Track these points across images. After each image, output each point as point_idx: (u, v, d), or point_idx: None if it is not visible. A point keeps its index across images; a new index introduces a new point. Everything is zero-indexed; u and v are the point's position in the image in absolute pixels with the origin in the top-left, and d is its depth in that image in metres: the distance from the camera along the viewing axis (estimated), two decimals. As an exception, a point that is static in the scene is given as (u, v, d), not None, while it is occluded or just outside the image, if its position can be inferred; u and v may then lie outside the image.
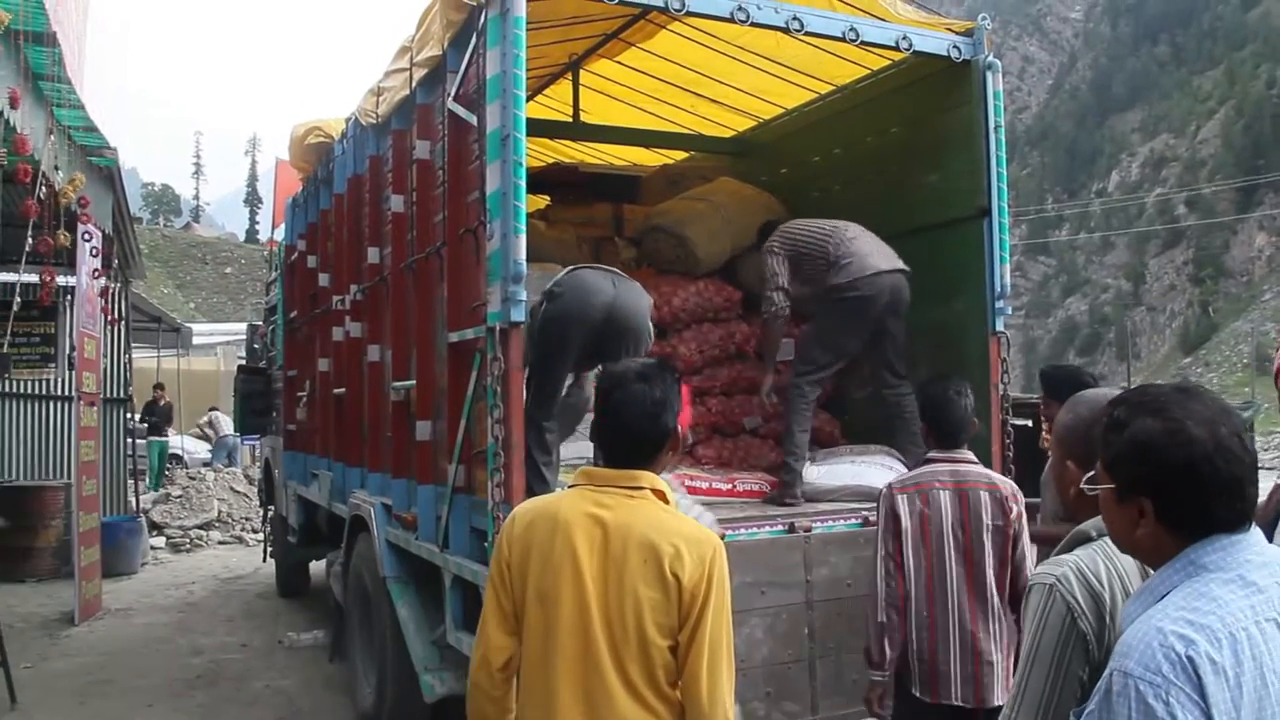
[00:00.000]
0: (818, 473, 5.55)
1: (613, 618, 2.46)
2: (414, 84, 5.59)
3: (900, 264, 5.69)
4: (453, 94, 4.95)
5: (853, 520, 5.04)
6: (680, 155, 8.19)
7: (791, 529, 4.87)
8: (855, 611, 4.53)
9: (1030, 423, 17.13)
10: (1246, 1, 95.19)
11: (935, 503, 3.96)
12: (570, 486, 2.66)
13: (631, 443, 2.61)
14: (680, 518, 2.62)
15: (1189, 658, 1.59)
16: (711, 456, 6.01)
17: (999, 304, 5.52)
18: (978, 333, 5.58)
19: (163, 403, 20.17)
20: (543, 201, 7.62)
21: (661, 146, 8.15)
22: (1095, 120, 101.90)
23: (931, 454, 4.11)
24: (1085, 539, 2.16)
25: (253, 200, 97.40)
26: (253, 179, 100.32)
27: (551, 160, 8.14)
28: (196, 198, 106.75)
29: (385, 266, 6.26)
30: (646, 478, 2.59)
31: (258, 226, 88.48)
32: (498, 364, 4.35)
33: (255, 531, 14.42)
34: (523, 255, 4.31)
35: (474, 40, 4.72)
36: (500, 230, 4.36)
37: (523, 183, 4.33)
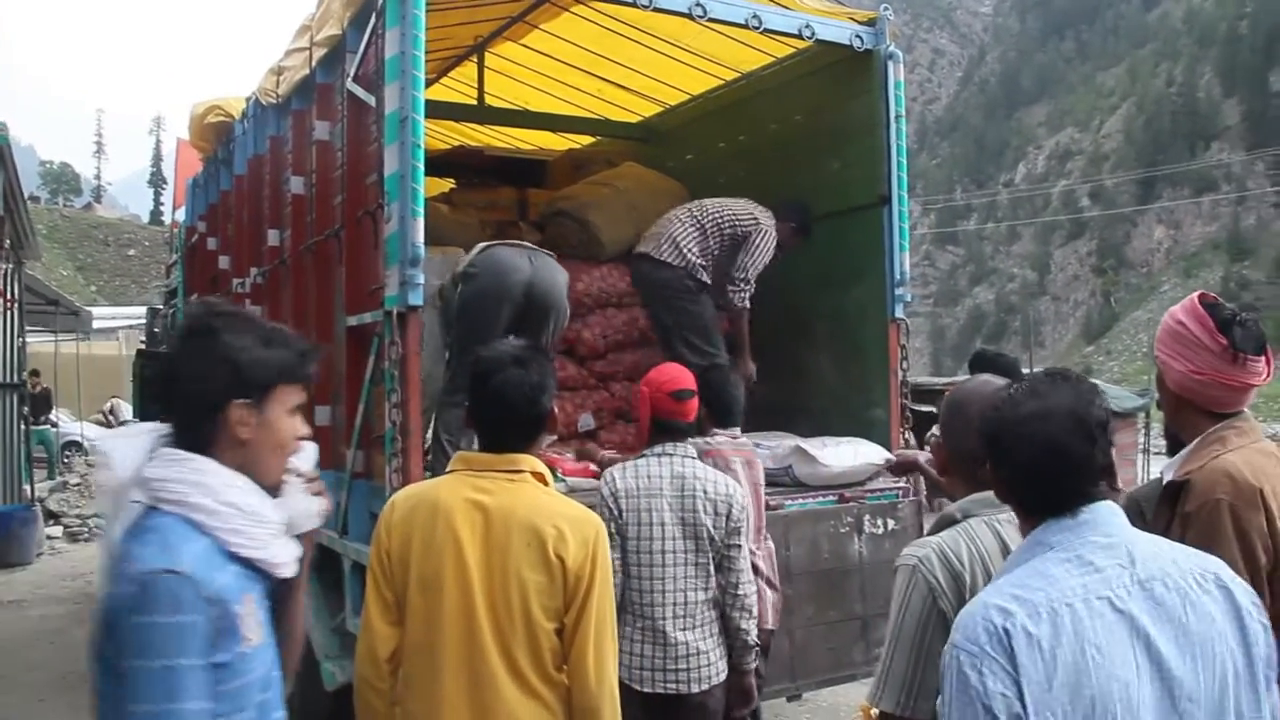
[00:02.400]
0: (830, 455, 5.38)
1: (497, 603, 2.45)
2: (314, 63, 5.50)
3: (651, 251, 5.78)
4: (352, 74, 4.89)
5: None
6: (586, 140, 8.15)
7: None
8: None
9: (936, 409, 17.56)
10: (1148, 1, 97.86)
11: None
12: (448, 472, 2.65)
13: (511, 426, 2.61)
14: (561, 499, 2.62)
15: (1004, 629, 1.68)
16: (615, 441, 6.00)
17: (898, 291, 5.59)
18: (877, 319, 5.65)
19: (39, 389, 19.37)
20: (446, 185, 7.54)
21: (567, 131, 8.11)
22: (1003, 113, 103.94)
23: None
24: (951, 521, 2.22)
25: (156, 181, 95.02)
26: (157, 159, 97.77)
27: (456, 144, 8.05)
28: (98, 178, 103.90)
29: (285, 249, 6.16)
30: (526, 460, 2.59)
31: (161, 208, 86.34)
32: (395, 348, 4.30)
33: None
34: (421, 238, 4.26)
35: (373, 20, 4.66)
36: (398, 213, 4.31)
37: (421, 165, 4.28)
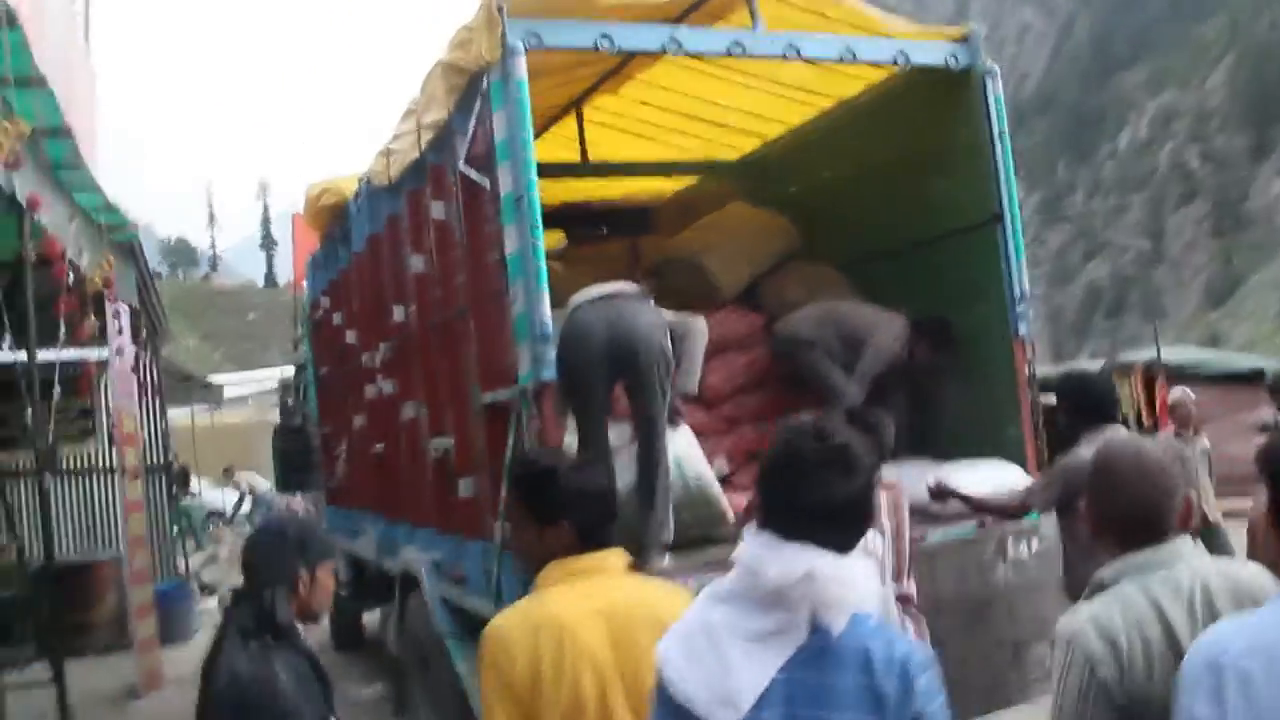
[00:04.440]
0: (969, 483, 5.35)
1: (639, 707, 2.44)
2: (423, 146, 5.68)
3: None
4: (463, 157, 5.04)
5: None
6: (689, 181, 8.24)
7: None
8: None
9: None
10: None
11: None
12: (543, 587, 2.63)
13: (603, 517, 2.68)
14: (652, 582, 2.71)
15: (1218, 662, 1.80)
16: (747, 484, 6.05)
17: (1020, 308, 5.56)
18: (1001, 337, 5.62)
19: (179, 466, 20.06)
20: (556, 238, 7.71)
21: (669, 175, 8.21)
22: (1099, 81, 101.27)
23: None
24: (1101, 586, 2.22)
25: (268, 245, 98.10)
26: (265, 224, 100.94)
27: (561, 200, 8.21)
28: (213, 247, 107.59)
29: (411, 324, 6.35)
30: (615, 553, 2.64)
31: (275, 270, 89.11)
32: (534, 422, 4.43)
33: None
34: (548, 315, 4.40)
35: (478, 104, 4.82)
36: (523, 291, 4.45)
37: (540, 243, 4.42)
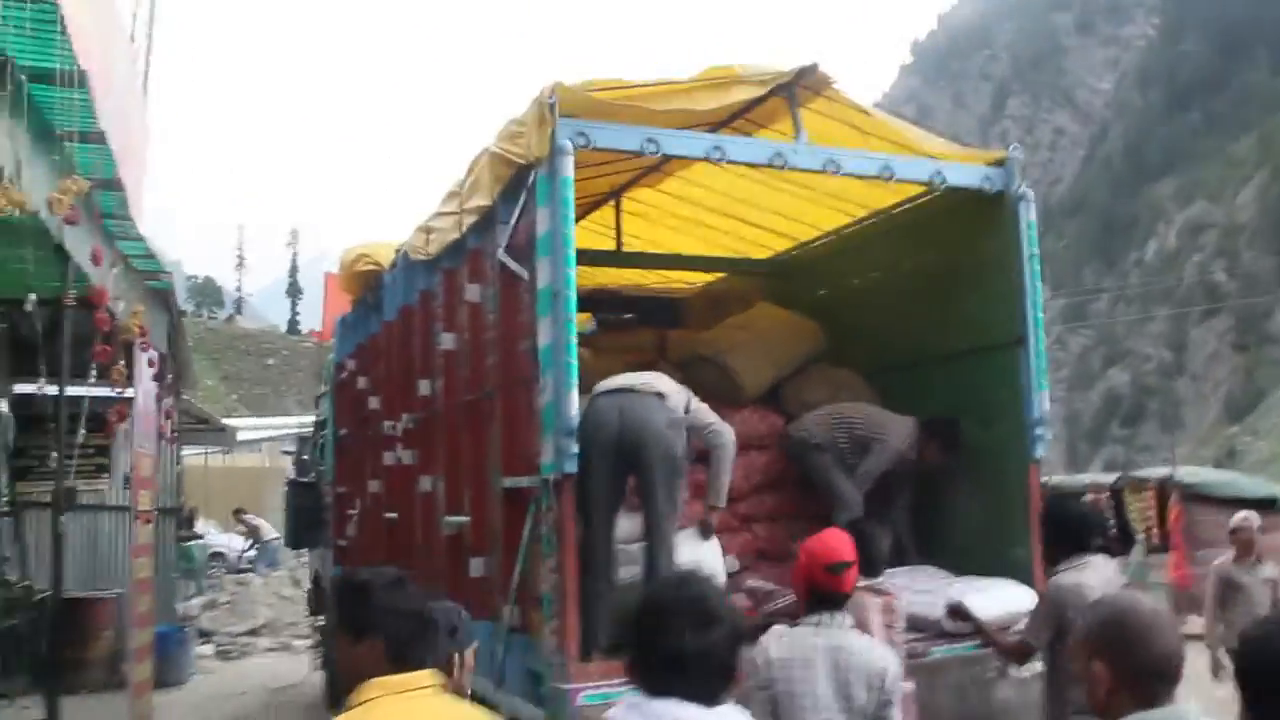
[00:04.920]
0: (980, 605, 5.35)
1: None
2: (464, 229, 5.82)
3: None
4: (503, 245, 5.17)
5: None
6: (720, 276, 8.36)
7: None
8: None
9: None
10: (1277, 66, 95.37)
11: None
12: (352, 705, 2.47)
13: (414, 635, 2.66)
14: (463, 705, 2.73)
15: None
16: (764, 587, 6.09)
17: (1038, 431, 5.61)
18: (1018, 458, 5.67)
19: (185, 511, 20.05)
20: (584, 321, 7.81)
21: (701, 270, 8.34)
22: (1130, 189, 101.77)
23: None
24: None
25: (294, 292, 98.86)
26: (293, 271, 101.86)
27: (593, 285, 8.34)
28: (239, 289, 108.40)
29: (437, 399, 6.45)
30: (426, 674, 2.56)
31: (299, 318, 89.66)
32: (552, 513, 4.50)
33: (302, 638, 14.51)
34: (575, 410, 4.49)
35: (523, 196, 4.95)
36: (553, 384, 4.54)
37: (574, 339, 4.52)
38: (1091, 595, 4.70)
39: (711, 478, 5.42)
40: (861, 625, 4.34)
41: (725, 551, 6.13)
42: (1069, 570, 4.59)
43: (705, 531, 5.45)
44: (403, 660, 2.49)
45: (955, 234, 6.22)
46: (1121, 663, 2.31)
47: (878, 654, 3.96)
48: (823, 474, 6.11)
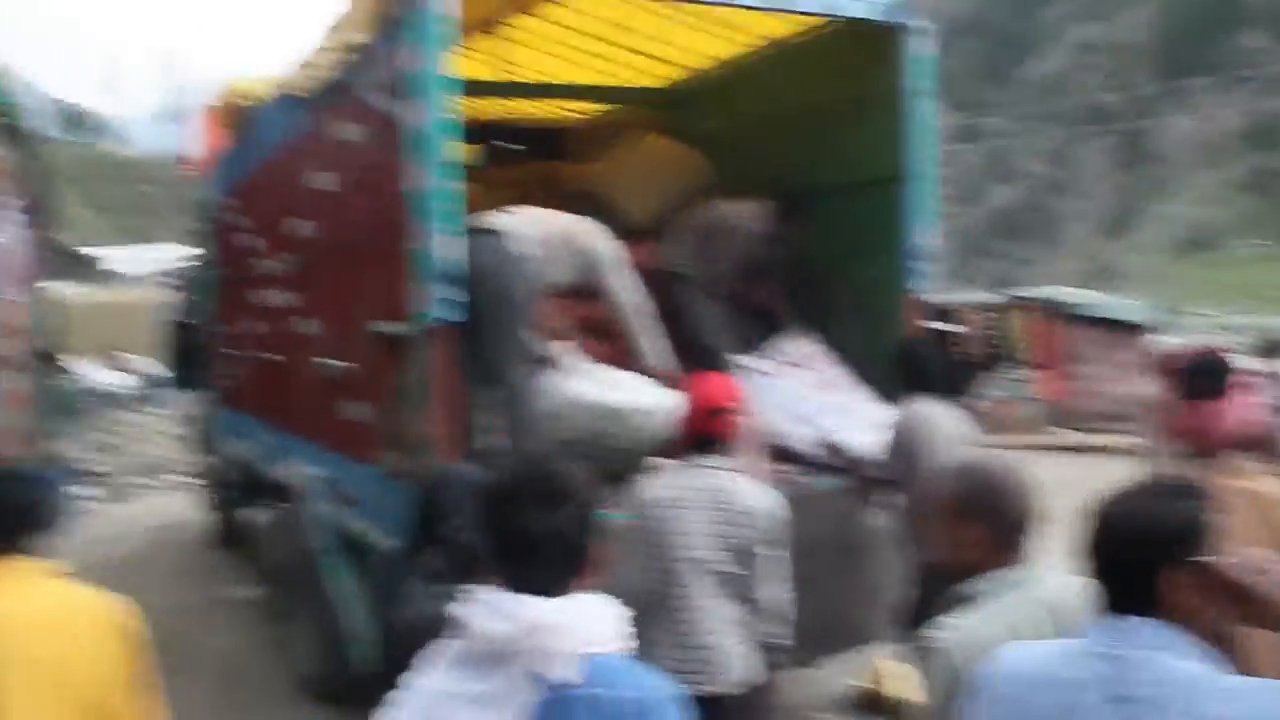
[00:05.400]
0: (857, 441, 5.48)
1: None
2: (342, 66, 5.53)
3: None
4: (378, 83, 4.93)
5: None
6: (610, 107, 8.14)
7: None
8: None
9: (961, 327, 17.26)
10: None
11: None
12: None
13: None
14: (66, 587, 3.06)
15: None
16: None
17: (917, 266, 5.66)
18: (897, 292, 5.75)
19: (50, 351, 19.40)
20: (472, 153, 7.59)
21: (590, 100, 8.10)
22: (1028, 7, 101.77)
23: None
24: (967, 599, 2.35)
25: (171, 118, 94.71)
26: (170, 96, 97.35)
27: (481, 116, 8.07)
28: (111, 114, 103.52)
29: (314, 241, 6.24)
30: (21, 562, 3.00)
31: (177, 145, 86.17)
32: (426, 362, 4.42)
33: (194, 478, 14.30)
34: (453, 254, 4.36)
35: (398, 32, 4.70)
36: (428, 229, 4.40)
37: (449, 182, 4.36)
38: (939, 427, 4.88)
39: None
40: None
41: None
42: (915, 403, 4.92)
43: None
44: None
45: (850, 66, 6.09)
46: (996, 523, 2.37)
47: (752, 493, 4.00)
48: (685, 297, 6.12)
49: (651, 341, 5.34)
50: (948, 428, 4.99)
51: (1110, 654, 1.84)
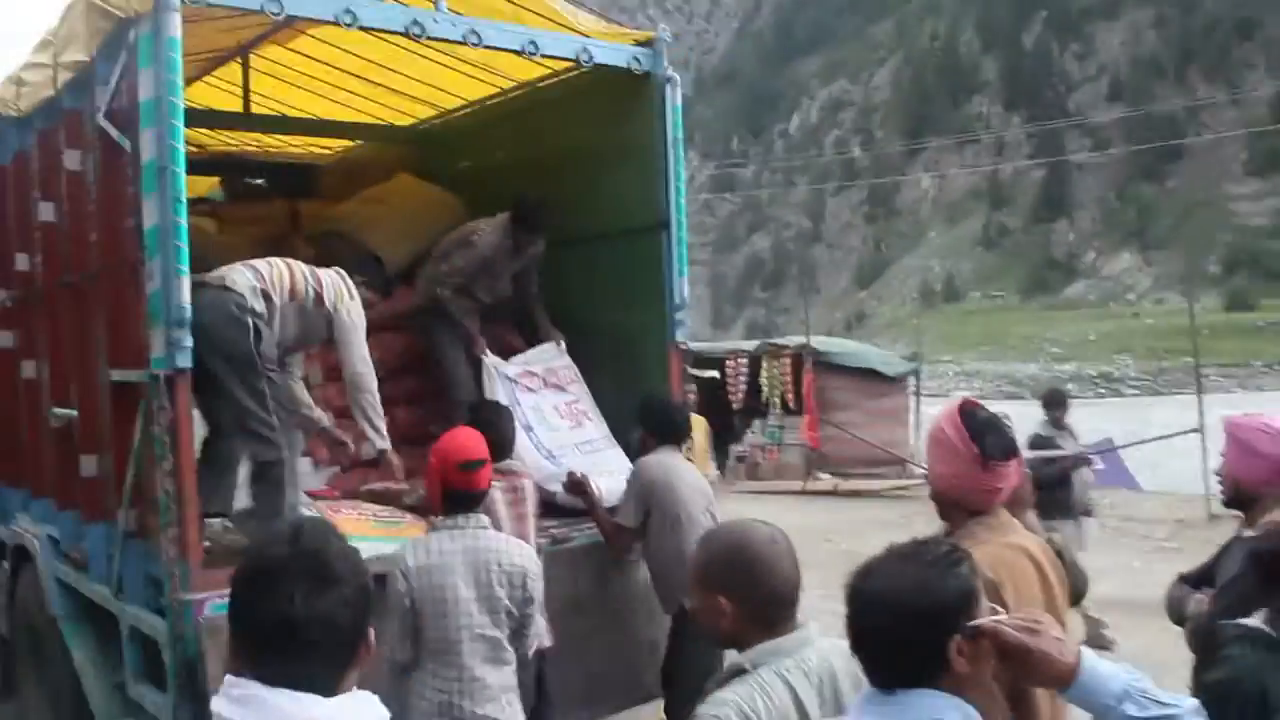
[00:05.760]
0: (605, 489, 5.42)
1: None
2: (59, 86, 5.11)
3: None
4: (103, 109, 4.57)
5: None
6: (357, 145, 7.92)
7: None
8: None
9: (717, 374, 17.73)
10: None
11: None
12: None
13: None
14: None
15: None
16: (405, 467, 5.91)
17: (678, 315, 5.68)
18: (658, 342, 5.73)
19: None
20: (209, 185, 7.25)
21: (338, 136, 7.85)
22: (779, 63, 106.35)
23: None
24: (741, 671, 2.25)
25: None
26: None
27: (219, 149, 7.70)
28: None
29: (37, 276, 5.76)
30: None
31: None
32: (164, 412, 4.12)
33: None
34: (186, 299, 4.10)
35: (124, 56, 4.38)
36: (160, 270, 4.11)
37: (184, 221, 4.11)
38: (678, 474, 4.98)
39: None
40: (492, 518, 4.31)
41: (363, 437, 5.92)
42: (657, 453, 5.01)
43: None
44: None
45: (602, 112, 6.11)
46: (746, 596, 2.28)
47: (516, 552, 3.93)
48: (439, 348, 6.03)
49: (370, 419, 5.09)
50: (689, 479, 5.08)
51: None
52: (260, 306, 4.70)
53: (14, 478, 6.39)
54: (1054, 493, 7.30)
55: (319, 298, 4.92)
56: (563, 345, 6.03)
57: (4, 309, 6.32)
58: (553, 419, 5.73)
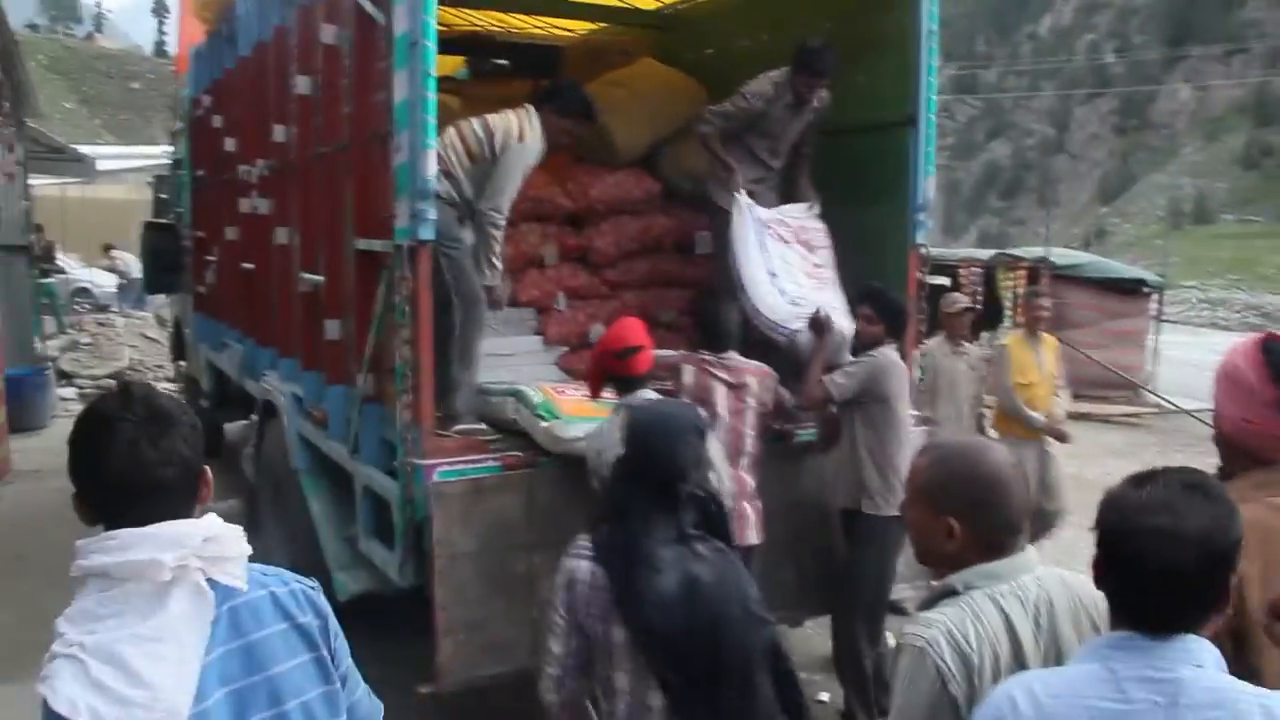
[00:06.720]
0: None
1: None
2: (321, -42, 5.25)
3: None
4: (360, -18, 4.66)
5: None
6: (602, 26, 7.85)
7: None
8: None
9: (948, 280, 17.12)
10: None
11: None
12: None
13: None
14: None
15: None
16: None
17: (920, 216, 5.45)
18: (898, 242, 5.52)
19: (43, 244, 18.99)
20: (455, 65, 7.33)
21: (584, 18, 7.79)
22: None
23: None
24: (952, 593, 2.13)
25: (159, 10, 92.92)
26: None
27: (469, 27, 7.76)
28: (99, 5, 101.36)
29: (292, 147, 5.98)
30: None
31: (165, 38, 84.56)
32: (405, 282, 4.23)
33: (169, 381, 14.09)
34: (432, 171, 4.18)
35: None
36: (408, 143, 4.19)
37: (432, 95, 4.15)
38: (903, 376, 5.01)
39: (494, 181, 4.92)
40: (708, 408, 4.45)
41: (593, 319, 5.94)
42: (889, 348, 4.97)
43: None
44: None
45: (852, 1, 5.86)
46: (981, 521, 2.14)
47: None
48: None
49: (485, 256, 4.91)
50: (907, 387, 5.09)
51: (1158, 678, 1.69)
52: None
53: (265, 337, 6.75)
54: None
55: (493, 149, 4.90)
56: (816, 209, 5.75)
57: (261, 178, 6.63)
58: (799, 275, 5.49)
